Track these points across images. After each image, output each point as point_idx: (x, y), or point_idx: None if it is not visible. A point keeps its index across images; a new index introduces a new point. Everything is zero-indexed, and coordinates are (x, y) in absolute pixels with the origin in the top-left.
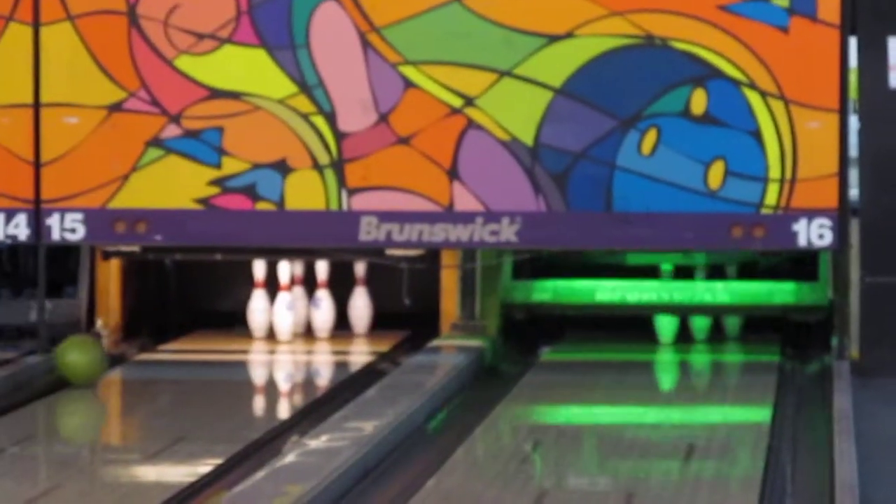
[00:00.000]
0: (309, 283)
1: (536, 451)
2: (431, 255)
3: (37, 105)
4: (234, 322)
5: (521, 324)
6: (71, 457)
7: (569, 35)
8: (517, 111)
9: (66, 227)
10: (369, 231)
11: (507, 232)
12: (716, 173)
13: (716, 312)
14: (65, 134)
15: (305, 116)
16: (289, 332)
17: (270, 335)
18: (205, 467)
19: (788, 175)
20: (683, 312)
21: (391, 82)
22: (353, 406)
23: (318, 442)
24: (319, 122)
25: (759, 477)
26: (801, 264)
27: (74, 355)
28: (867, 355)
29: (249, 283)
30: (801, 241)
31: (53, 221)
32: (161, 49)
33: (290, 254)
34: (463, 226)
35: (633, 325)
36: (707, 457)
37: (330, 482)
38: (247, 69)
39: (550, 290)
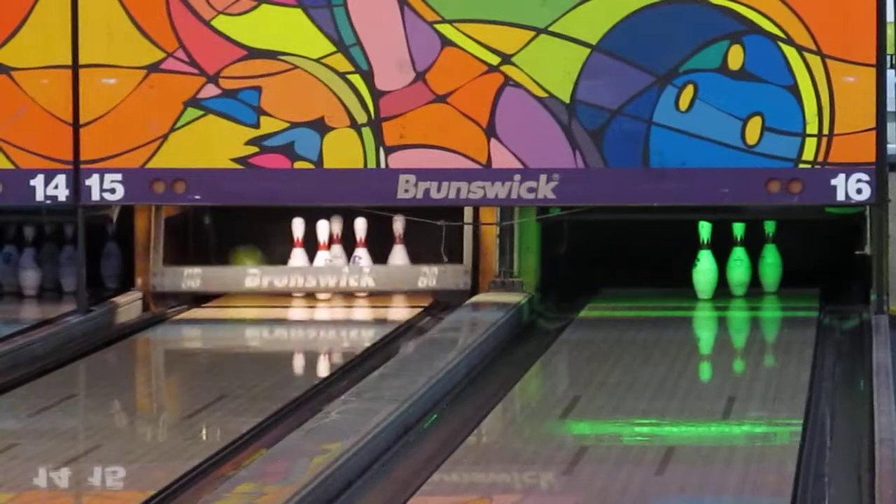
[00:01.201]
0: (347, 241)
1: (575, 406)
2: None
3: (75, 66)
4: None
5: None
6: (111, 416)
7: None
8: (554, 68)
9: (106, 188)
10: (407, 189)
11: (545, 189)
12: (753, 129)
13: (753, 216)
14: (103, 95)
15: (343, 75)
16: (328, 290)
17: (310, 293)
18: (245, 426)
19: (826, 130)
20: (721, 217)
21: (428, 40)
22: (392, 364)
23: (357, 400)
24: (357, 80)
25: (798, 431)
26: None
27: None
28: None
29: (289, 242)
30: (840, 196)
31: (93, 182)
32: (198, 9)
33: (332, 211)
34: (500, 183)
35: (672, 267)
36: (746, 412)
37: (369, 440)
38: (284, 28)
39: None
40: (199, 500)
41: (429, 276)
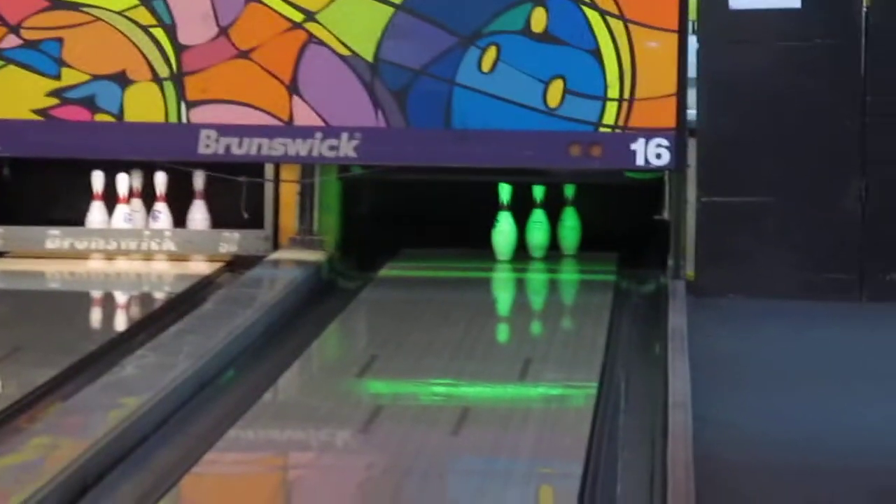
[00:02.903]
0: (147, 195)
1: (372, 365)
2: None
3: None
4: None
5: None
6: None
7: None
8: (358, 26)
9: None
10: (208, 144)
11: (346, 147)
12: (555, 91)
13: (554, 179)
14: None
15: (145, 28)
16: (128, 253)
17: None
18: (40, 378)
19: (627, 94)
20: (522, 179)
21: None
22: (189, 319)
23: (154, 354)
24: (159, 34)
25: (594, 394)
26: None
27: None
28: (702, 275)
29: (88, 195)
30: (639, 161)
31: None
32: None
33: (132, 165)
34: (302, 140)
35: (472, 228)
36: (542, 373)
37: (166, 394)
38: None
39: None
40: None
41: (230, 242)
